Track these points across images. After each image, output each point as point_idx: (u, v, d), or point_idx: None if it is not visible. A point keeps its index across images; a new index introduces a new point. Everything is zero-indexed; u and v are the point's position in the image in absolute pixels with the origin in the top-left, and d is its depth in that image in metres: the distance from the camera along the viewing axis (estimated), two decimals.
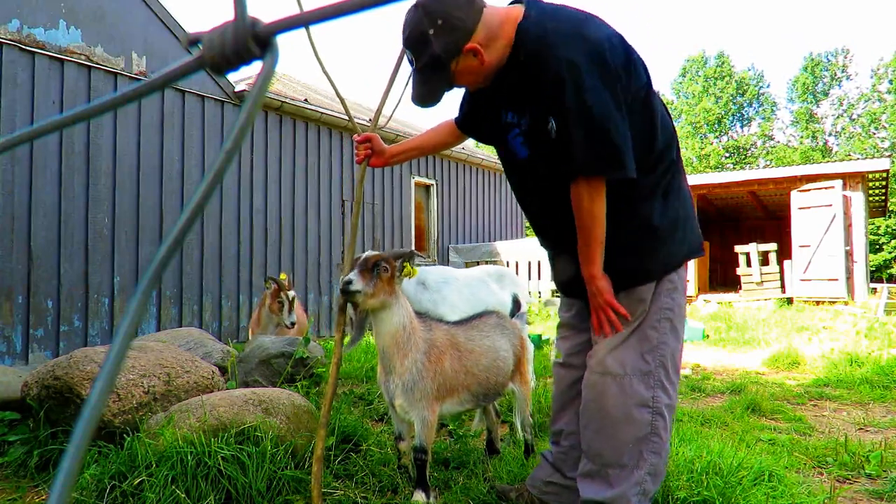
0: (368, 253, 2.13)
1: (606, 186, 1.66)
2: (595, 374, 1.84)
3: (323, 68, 2.07)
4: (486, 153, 12.33)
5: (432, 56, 1.62)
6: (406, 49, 1.69)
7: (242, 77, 7.60)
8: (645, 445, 1.78)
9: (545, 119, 1.66)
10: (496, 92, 1.81)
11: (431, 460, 2.52)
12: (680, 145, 1.88)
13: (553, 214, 1.84)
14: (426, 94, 1.72)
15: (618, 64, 1.59)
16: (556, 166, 1.70)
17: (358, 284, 2.00)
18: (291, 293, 4.35)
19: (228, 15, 0.38)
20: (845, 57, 35.46)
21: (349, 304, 2.11)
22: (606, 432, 1.80)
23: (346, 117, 8.25)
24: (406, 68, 1.83)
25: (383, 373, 2.20)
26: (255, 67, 0.39)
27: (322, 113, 7.87)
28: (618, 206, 1.70)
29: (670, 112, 1.89)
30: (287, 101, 7.40)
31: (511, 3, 1.77)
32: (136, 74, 5.88)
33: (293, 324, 4.31)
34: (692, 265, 11.62)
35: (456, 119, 2.14)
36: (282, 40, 0.39)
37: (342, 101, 2.17)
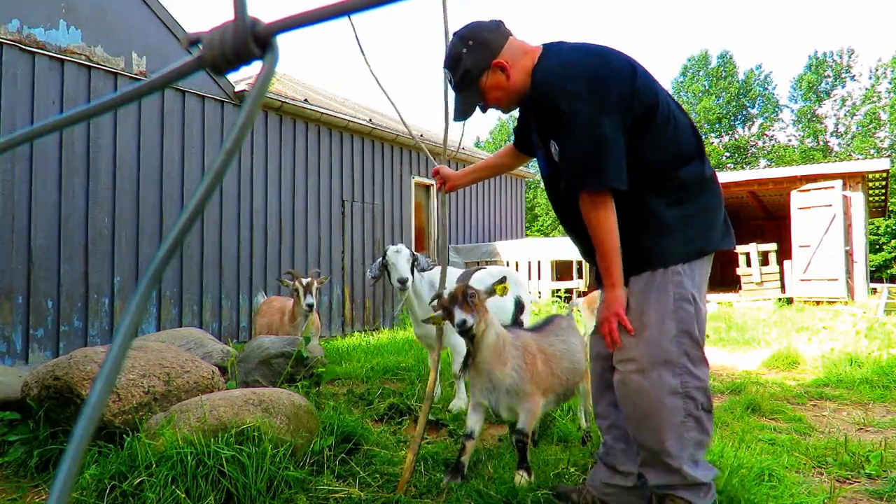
0: (450, 290, 2.36)
1: (620, 191, 1.81)
2: (621, 372, 1.94)
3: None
4: (487, 154, 12.30)
5: (465, 71, 1.95)
6: (445, 70, 2.04)
7: (242, 77, 7.60)
8: (684, 428, 1.87)
9: (550, 143, 1.93)
10: (528, 118, 2.13)
11: (431, 463, 2.60)
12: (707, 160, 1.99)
13: (576, 222, 2.01)
14: (460, 108, 2.04)
15: (620, 92, 1.79)
16: (564, 182, 1.95)
17: (471, 320, 2.24)
18: (306, 280, 4.59)
19: (228, 15, 0.38)
20: (850, 56, 35.42)
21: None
22: (645, 425, 1.90)
23: (347, 117, 8.25)
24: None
25: (480, 382, 2.39)
26: (255, 67, 0.39)
27: (322, 113, 7.87)
28: (628, 202, 1.86)
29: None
30: (287, 101, 7.40)
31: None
32: (136, 74, 5.88)
33: (310, 305, 4.52)
34: None
35: (513, 142, 2.45)
36: (282, 40, 0.39)
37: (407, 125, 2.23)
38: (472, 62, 1.92)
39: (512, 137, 2.49)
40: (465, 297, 2.28)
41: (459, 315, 2.23)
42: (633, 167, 1.83)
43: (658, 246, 1.88)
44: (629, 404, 1.93)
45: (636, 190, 1.85)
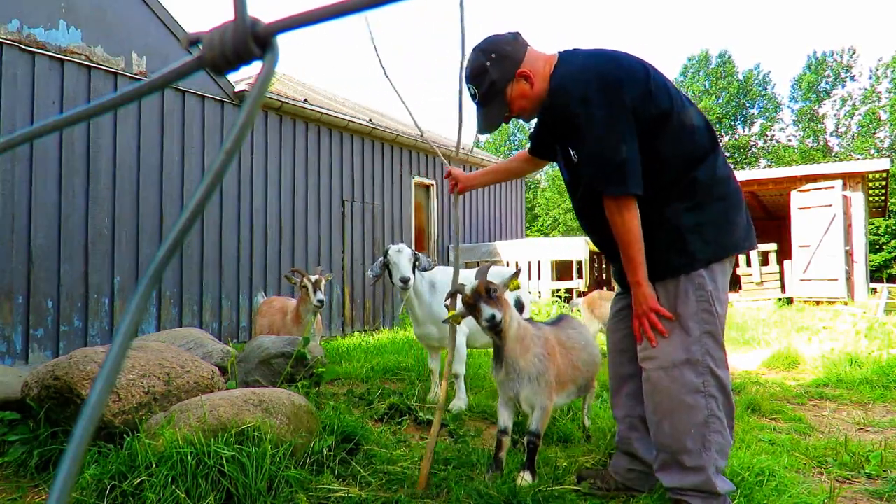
0: (473, 284, 2.37)
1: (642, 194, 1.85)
2: (646, 370, 1.97)
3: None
4: (486, 153, 12.29)
5: (491, 83, 1.97)
6: (469, 85, 2.06)
7: (242, 77, 7.60)
8: (706, 428, 1.89)
9: (568, 149, 1.98)
10: (546, 125, 2.19)
11: (435, 460, 2.57)
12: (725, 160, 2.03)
13: (598, 225, 2.04)
14: (486, 121, 2.07)
15: (633, 95, 1.82)
16: (584, 186, 2.00)
17: (499, 314, 2.26)
18: (314, 276, 4.55)
19: (228, 15, 0.38)
20: (851, 56, 35.39)
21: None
22: (667, 422, 1.93)
23: (347, 117, 8.25)
24: (467, 115, 2.38)
25: (504, 372, 2.43)
26: (255, 67, 0.39)
27: (322, 113, 7.87)
28: (649, 204, 1.90)
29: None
30: (287, 101, 7.40)
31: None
32: (136, 74, 5.88)
33: (321, 301, 4.47)
34: None
35: (529, 148, 2.49)
36: (282, 40, 0.39)
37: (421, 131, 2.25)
38: (498, 74, 1.95)
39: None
40: (488, 292, 2.30)
41: (487, 311, 2.25)
42: (651, 168, 1.86)
43: (679, 257, 1.91)
44: (651, 402, 1.97)
45: (656, 191, 1.89)
